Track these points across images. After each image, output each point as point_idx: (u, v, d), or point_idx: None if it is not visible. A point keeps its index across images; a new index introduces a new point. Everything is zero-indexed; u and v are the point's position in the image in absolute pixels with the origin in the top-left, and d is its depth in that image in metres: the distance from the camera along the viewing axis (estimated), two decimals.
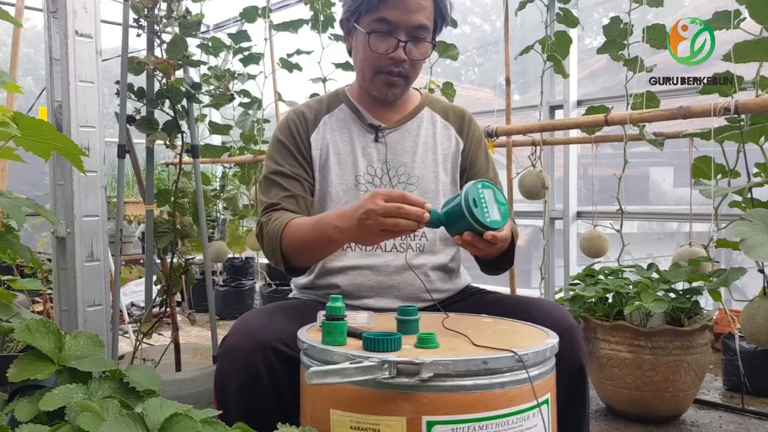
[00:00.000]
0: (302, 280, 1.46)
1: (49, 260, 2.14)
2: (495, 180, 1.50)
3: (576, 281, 2.42)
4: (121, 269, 2.45)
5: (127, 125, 1.96)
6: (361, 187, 1.40)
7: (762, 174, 1.93)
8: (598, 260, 2.65)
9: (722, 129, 1.96)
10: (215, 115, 4.53)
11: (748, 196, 1.93)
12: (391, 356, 0.90)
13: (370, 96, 1.44)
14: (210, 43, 3.78)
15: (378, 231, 1.09)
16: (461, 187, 1.48)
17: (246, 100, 3.82)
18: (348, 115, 1.46)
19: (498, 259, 1.31)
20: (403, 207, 1.07)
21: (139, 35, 1.95)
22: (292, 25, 3.62)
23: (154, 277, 2.11)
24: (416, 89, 1.54)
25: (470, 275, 1.55)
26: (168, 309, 2.08)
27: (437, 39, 1.44)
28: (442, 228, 1.14)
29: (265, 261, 4.61)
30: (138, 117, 1.97)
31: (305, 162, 1.42)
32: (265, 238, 1.33)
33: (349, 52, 1.47)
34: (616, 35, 2.42)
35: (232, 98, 2.15)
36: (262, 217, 1.37)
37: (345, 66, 3.53)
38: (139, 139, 2.22)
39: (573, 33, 2.77)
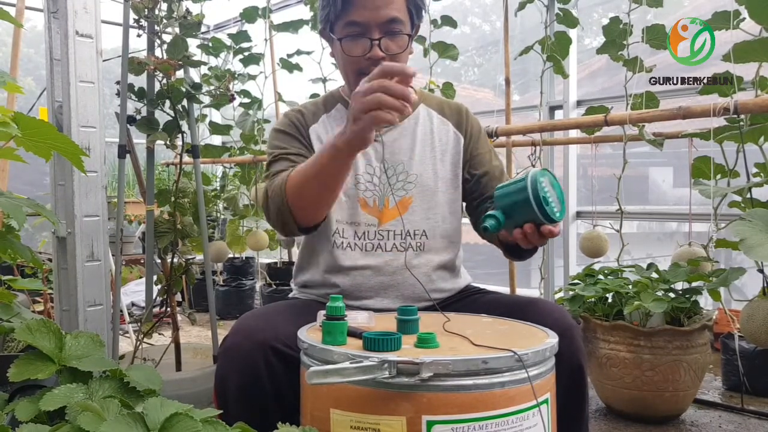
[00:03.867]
0: (303, 279, 1.46)
1: (50, 260, 2.15)
2: (500, 167, 1.49)
3: (576, 281, 2.42)
4: (121, 269, 2.45)
5: (128, 125, 1.96)
6: (360, 186, 1.40)
7: (761, 174, 1.94)
8: (598, 260, 2.65)
9: (722, 129, 1.96)
10: (215, 116, 4.54)
11: (748, 196, 1.93)
12: (391, 356, 0.90)
13: None
14: (210, 44, 3.78)
15: (363, 114, 1.05)
16: (464, 182, 1.45)
17: (246, 100, 3.82)
18: (345, 114, 1.45)
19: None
20: (383, 82, 1.04)
21: (139, 35, 1.95)
22: (292, 26, 3.62)
23: (155, 277, 2.11)
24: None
25: (470, 275, 1.55)
26: (168, 309, 2.08)
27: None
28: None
29: (266, 261, 4.63)
30: (138, 117, 1.98)
31: (309, 147, 1.42)
32: (271, 197, 1.28)
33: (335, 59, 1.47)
34: (615, 35, 2.42)
35: (232, 98, 2.16)
36: (267, 184, 1.33)
37: None
38: (139, 140, 2.22)
39: (573, 33, 2.77)
